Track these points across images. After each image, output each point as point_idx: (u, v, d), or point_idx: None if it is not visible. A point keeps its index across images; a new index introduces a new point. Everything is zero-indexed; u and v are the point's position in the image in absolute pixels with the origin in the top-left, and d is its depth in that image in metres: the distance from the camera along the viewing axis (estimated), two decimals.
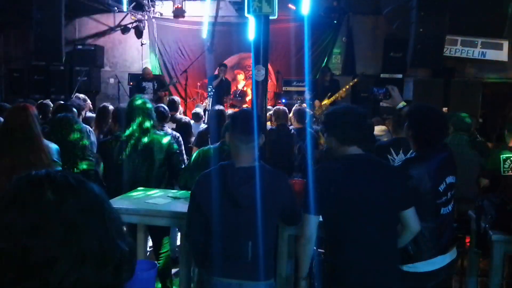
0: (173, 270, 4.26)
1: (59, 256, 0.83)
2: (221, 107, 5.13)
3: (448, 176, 2.77)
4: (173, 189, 4.06)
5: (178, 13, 10.85)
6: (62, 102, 6.00)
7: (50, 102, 6.62)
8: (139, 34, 11.20)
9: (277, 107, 6.31)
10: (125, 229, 1.02)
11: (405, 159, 2.95)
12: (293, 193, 2.67)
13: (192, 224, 2.60)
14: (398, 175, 2.57)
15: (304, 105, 7.54)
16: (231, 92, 9.61)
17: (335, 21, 10.29)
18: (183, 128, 5.80)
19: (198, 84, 10.21)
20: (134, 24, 10.99)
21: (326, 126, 2.59)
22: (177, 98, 7.64)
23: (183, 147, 5.10)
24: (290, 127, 5.82)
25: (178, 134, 5.11)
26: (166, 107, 5.27)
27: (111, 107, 5.58)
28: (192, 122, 6.72)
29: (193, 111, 7.37)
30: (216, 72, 9.57)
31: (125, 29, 11.03)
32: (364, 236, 2.41)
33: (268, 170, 2.53)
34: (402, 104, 3.20)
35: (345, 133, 2.48)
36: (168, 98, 8.14)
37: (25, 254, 0.82)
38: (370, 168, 2.47)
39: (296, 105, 7.54)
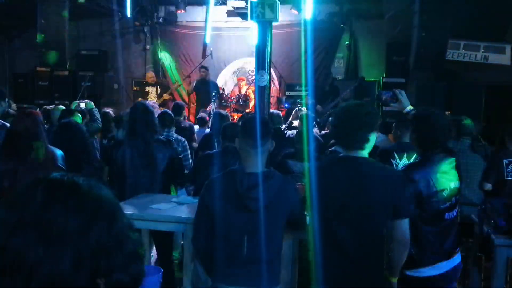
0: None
1: (28, 258, 0.82)
2: (224, 111, 5.14)
3: (452, 181, 2.78)
4: (177, 194, 4.07)
5: (181, 18, 10.88)
6: (66, 107, 6.02)
7: (55, 107, 6.65)
8: (142, 39, 11.24)
9: (271, 110, 6.31)
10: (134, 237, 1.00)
11: (408, 163, 2.95)
12: (300, 198, 2.68)
13: (199, 229, 2.59)
14: (397, 182, 2.45)
15: (304, 109, 7.52)
16: (220, 92, 9.62)
17: (342, 25, 10.30)
18: (185, 133, 5.82)
19: None
20: (138, 29, 11.03)
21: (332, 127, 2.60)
22: (181, 103, 7.68)
23: (188, 152, 5.11)
24: (286, 131, 5.83)
25: (183, 139, 5.13)
26: (171, 113, 5.28)
27: (112, 113, 5.61)
28: (196, 127, 6.74)
29: (198, 116, 7.37)
30: (199, 76, 9.64)
31: (128, 34, 11.07)
32: (342, 241, 2.40)
33: (277, 176, 2.55)
34: (409, 108, 3.18)
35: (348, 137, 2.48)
36: (172, 103, 8.17)
37: (2, 252, 0.82)
38: (365, 172, 2.43)
39: (296, 109, 7.53)
